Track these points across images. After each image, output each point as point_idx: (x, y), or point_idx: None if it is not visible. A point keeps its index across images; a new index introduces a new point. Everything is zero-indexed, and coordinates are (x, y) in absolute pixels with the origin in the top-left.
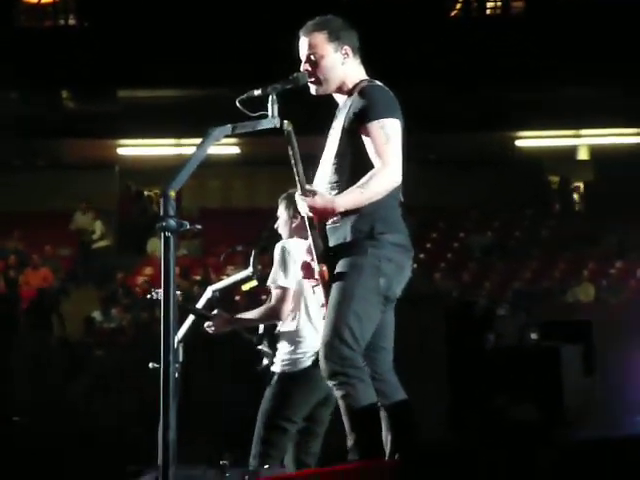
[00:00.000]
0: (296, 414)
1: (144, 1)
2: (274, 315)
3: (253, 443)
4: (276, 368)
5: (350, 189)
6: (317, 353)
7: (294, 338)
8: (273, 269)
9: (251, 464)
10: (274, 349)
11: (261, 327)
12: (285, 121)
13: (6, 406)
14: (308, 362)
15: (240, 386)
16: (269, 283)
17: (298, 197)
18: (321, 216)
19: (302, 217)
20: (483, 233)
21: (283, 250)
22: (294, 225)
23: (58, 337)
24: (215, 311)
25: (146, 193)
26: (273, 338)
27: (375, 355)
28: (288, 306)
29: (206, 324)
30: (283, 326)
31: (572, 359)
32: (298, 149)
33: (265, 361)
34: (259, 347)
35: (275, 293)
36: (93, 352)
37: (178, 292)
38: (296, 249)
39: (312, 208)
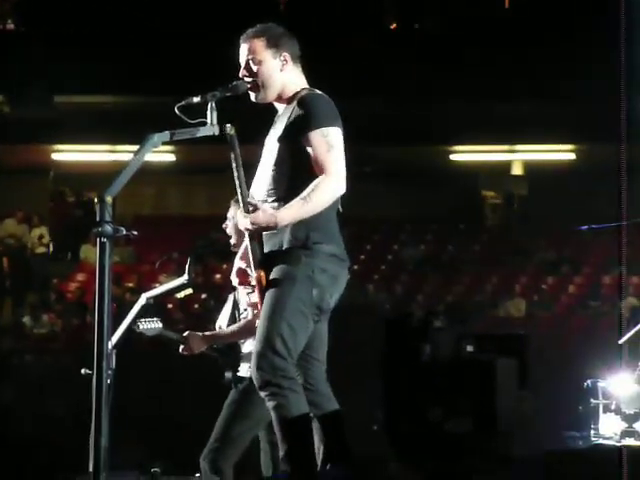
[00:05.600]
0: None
1: (83, 5)
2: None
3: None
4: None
5: (293, 202)
6: None
7: None
8: None
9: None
10: (236, 361)
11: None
12: (228, 125)
13: None
14: None
15: (176, 393)
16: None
17: (239, 213)
18: (263, 231)
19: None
20: (416, 246)
21: None
22: None
23: None
24: (186, 333)
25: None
26: (235, 351)
27: (307, 366)
28: None
29: (181, 348)
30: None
31: (507, 372)
32: (240, 154)
33: (228, 374)
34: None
35: (252, 308)
36: (23, 358)
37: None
38: None
39: (254, 224)
